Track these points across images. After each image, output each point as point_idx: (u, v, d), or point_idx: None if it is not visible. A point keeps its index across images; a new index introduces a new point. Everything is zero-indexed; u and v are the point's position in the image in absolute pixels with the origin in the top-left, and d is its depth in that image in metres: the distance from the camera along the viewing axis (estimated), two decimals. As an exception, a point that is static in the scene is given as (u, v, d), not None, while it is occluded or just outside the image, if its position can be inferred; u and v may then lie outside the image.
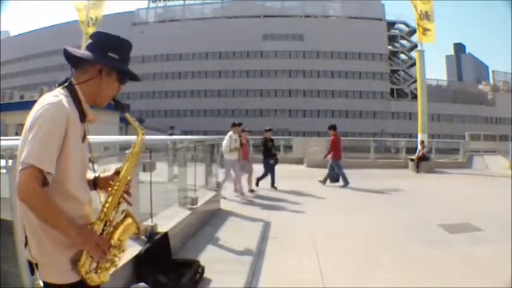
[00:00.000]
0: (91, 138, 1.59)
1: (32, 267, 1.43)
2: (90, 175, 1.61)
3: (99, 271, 1.46)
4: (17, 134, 14.22)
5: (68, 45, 1.57)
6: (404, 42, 53.75)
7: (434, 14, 16.97)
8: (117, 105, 1.58)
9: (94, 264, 1.45)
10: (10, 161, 2.20)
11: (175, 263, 3.78)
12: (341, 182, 10.21)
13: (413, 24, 22.03)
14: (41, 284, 1.46)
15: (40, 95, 1.56)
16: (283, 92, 51.31)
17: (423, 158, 14.53)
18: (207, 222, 5.93)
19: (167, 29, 53.47)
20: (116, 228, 1.52)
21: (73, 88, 1.46)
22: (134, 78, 1.62)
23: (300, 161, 15.82)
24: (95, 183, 1.61)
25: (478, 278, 3.71)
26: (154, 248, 3.60)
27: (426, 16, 16.83)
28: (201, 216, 5.72)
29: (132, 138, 1.67)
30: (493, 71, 61.70)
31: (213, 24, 52.32)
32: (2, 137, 2.58)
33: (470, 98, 51.70)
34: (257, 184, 9.30)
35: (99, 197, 1.57)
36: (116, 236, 1.50)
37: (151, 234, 3.80)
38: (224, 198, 7.61)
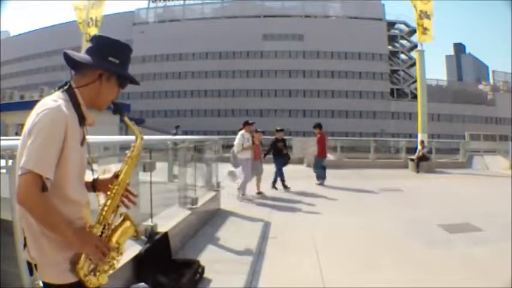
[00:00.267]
0: (91, 138, 1.59)
1: (31, 268, 1.44)
2: (89, 177, 1.62)
3: (98, 274, 1.47)
4: (17, 134, 14.20)
5: (68, 45, 1.58)
6: (404, 42, 53.76)
7: (435, 14, 16.99)
8: (116, 110, 1.59)
9: (92, 267, 1.46)
10: (10, 161, 2.20)
11: (175, 263, 3.79)
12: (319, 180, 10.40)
13: (413, 24, 22.02)
14: (41, 284, 1.47)
15: (40, 95, 1.56)
16: (283, 92, 51.31)
17: (423, 158, 14.50)
18: (207, 222, 5.93)
19: (167, 29, 53.45)
20: (114, 231, 1.53)
21: (73, 92, 1.47)
22: (134, 82, 1.63)
23: (300, 161, 15.81)
24: (94, 186, 1.62)
25: (478, 278, 3.71)
26: (154, 248, 3.60)
27: (426, 16, 16.82)
28: (201, 216, 5.72)
29: (132, 138, 1.67)
30: (493, 71, 61.59)
31: (213, 24, 52.27)
32: (2, 137, 2.58)
33: (470, 98, 51.63)
34: (275, 187, 9.38)
35: (97, 200, 1.58)
36: (114, 239, 1.51)
37: (151, 234, 3.81)
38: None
